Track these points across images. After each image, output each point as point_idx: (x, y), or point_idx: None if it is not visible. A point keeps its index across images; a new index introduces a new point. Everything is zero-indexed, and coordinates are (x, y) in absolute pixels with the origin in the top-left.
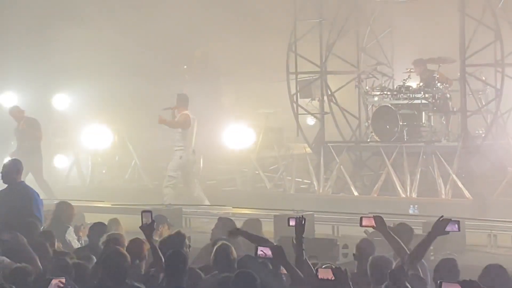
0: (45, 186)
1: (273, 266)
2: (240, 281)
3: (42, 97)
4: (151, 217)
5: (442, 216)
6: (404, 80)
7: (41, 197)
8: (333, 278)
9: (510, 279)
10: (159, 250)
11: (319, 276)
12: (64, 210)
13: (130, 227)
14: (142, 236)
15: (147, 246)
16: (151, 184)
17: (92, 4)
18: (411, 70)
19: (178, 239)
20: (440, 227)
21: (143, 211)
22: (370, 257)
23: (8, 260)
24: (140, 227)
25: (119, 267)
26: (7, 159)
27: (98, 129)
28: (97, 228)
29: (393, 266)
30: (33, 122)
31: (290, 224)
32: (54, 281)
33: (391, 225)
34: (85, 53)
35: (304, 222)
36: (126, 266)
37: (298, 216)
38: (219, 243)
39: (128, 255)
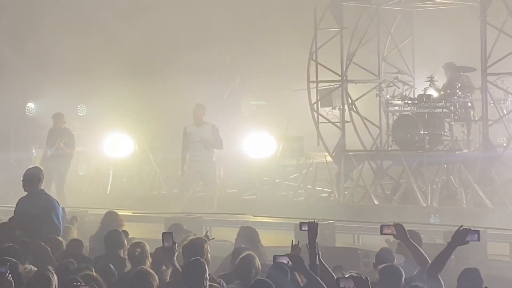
0: (62, 196)
1: (292, 275)
2: None
3: (62, 106)
4: (172, 239)
5: (461, 226)
6: (425, 88)
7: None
8: (355, 287)
9: None
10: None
11: (340, 285)
12: (113, 220)
13: (151, 235)
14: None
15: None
16: (171, 192)
17: (111, 10)
18: (433, 79)
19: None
20: (460, 237)
21: (164, 233)
22: (379, 267)
23: (35, 268)
24: (160, 250)
25: None
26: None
27: (119, 138)
28: (113, 236)
29: (404, 274)
30: (70, 137)
31: (302, 228)
32: None
33: None
34: (106, 61)
35: (317, 227)
36: None
37: (310, 221)
38: (244, 253)
39: (156, 277)
